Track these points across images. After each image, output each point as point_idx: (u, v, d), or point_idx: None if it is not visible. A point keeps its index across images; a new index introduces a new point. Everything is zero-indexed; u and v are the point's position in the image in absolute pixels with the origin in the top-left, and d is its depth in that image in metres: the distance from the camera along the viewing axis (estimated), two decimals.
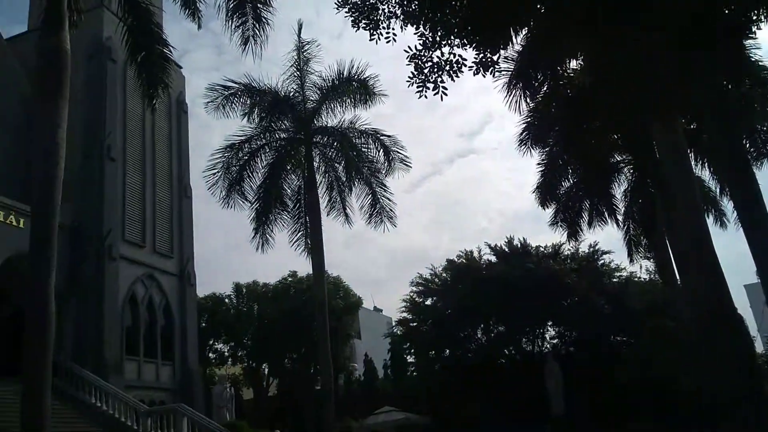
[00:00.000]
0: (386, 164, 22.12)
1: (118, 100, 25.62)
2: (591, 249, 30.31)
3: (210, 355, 36.63)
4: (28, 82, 23.70)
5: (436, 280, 31.73)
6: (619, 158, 18.08)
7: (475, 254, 31.49)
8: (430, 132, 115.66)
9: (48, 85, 11.46)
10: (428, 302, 32.07)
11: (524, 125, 16.69)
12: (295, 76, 22.06)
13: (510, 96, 14.20)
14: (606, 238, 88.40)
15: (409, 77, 8.25)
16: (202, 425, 19.39)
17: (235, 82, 21.67)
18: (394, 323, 38.18)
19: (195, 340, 26.67)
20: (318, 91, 22.15)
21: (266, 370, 37.42)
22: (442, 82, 8.17)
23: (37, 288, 10.43)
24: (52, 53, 11.49)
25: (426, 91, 8.19)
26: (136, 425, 19.01)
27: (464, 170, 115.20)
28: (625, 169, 18.76)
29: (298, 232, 22.39)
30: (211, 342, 36.55)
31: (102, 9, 25.20)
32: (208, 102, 21.25)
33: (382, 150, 22.12)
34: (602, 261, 30.47)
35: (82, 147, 23.65)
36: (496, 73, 9.05)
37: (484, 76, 8.52)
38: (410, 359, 34.90)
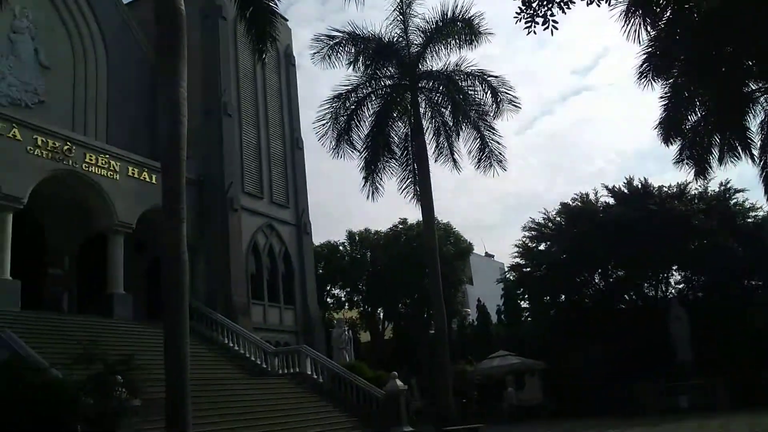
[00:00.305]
0: (494, 106, 21.56)
1: (230, 57, 26.62)
2: (722, 187, 27.98)
3: (328, 299, 38.31)
4: (149, 44, 25.19)
5: (550, 224, 30.82)
6: (754, 87, 16.32)
7: (591, 197, 30.12)
8: (540, 70, 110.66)
9: (167, 45, 12.11)
10: (541, 247, 31.32)
11: (644, 56, 15.42)
12: (398, 20, 21.80)
13: (628, 25, 13.17)
14: (739, 175, 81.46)
15: (516, 12, 7.82)
16: (324, 365, 20.52)
17: (340, 31, 21.83)
18: (506, 269, 37.83)
19: (313, 286, 28.00)
20: (422, 35, 21.78)
21: (381, 314, 38.62)
22: (552, 15, 7.69)
23: (171, 238, 11.32)
24: (169, 15, 12.06)
25: (535, 27, 7.74)
26: (265, 364, 20.46)
27: (578, 109, 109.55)
28: (762, 99, 16.96)
29: (407, 179, 22.60)
30: (328, 287, 38.14)
31: None
32: (315, 53, 21.61)
33: (489, 92, 21.53)
34: (734, 200, 28.07)
35: (202, 105, 24.94)
36: (612, 1, 8.40)
37: (599, 5, 7.94)
38: (524, 305, 34.54)
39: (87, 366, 11.00)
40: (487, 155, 21.83)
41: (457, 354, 27.56)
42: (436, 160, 22.49)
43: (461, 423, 19.39)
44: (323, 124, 21.81)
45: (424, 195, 21.47)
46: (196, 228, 23.10)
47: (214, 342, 21.06)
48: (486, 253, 59.93)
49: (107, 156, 20.65)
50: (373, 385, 19.50)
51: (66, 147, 19.27)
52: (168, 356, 10.76)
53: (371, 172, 22.12)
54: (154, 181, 21.24)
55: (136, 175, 21.45)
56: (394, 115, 22.37)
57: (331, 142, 21.80)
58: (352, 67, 22.01)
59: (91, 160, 19.98)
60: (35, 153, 18.37)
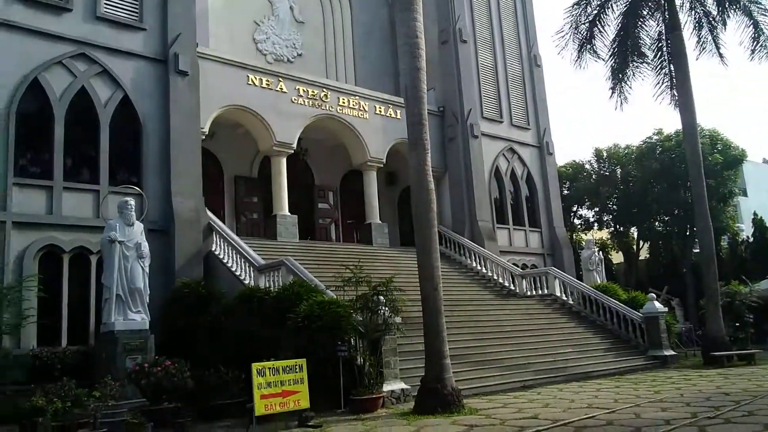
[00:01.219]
0: None
1: None
2: None
3: (575, 221, 37.10)
4: None
5: None
6: None
7: None
8: None
9: None
10: None
11: None
12: None
13: None
14: None
15: None
16: (573, 286, 20.22)
17: None
18: None
19: (559, 207, 27.33)
20: None
21: (635, 234, 36.26)
22: None
23: (417, 168, 12.01)
24: None
25: None
26: (513, 285, 20.86)
27: None
28: None
29: (662, 83, 20.82)
30: (574, 208, 36.87)
31: None
32: None
33: None
34: None
35: (438, 34, 25.29)
36: None
37: None
38: None
39: (355, 287, 12.44)
40: (763, 44, 19.23)
41: (728, 274, 24.88)
42: (697, 58, 20.16)
43: (732, 348, 17.68)
44: (562, 36, 20.82)
45: (683, 99, 19.38)
46: (440, 157, 24.02)
47: (463, 265, 22.02)
48: (765, 159, 52.27)
49: (357, 97, 22.28)
50: (627, 307, 18.74)
51: (323, 93, 21.26)
52: (422, 278, 11.65)
53: (619, 80, 20.81)
54: (398, 116, 22.44)
55: (382, 113, 22.85)
56: (644, 13, 20.54)
57: (572, 54, 20.91)
58: None
59: (343, 103, 21.79)
60: (298, 102, 20.61)
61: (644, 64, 20.89)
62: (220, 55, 19.18)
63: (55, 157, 14.73)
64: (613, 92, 20.96)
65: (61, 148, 14.87)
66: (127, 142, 16.14)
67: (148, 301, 12.50)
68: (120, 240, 12.08)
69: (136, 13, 16.91)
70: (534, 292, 20.62)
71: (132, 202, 12.74)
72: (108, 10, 16.39)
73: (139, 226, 12.66)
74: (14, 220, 13.79)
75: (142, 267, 12.32)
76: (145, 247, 12.49)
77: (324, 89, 21.39)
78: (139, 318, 12.19)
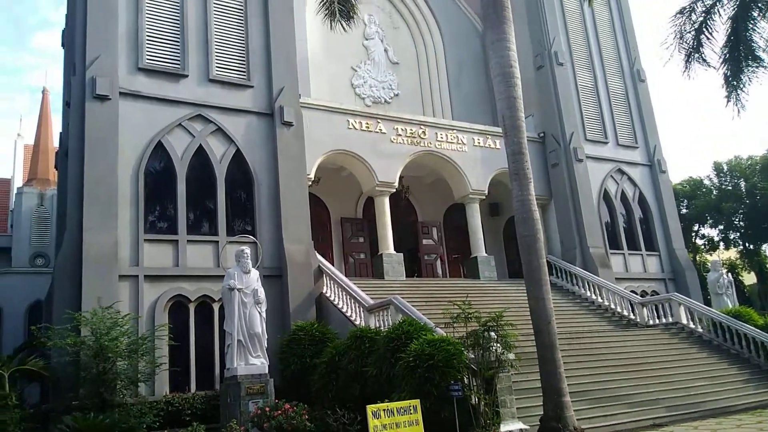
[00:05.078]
0: None
1: (554, 4, 25.93)
2: None
3: (697, 241, 34.73)
4: (476, 14, 26.31)
5: None
6: None
7: None
8: None
9: (492, 13, 12.55)
10: None
11: None
12: None
13: None
14: None
15: None
16: (701, 312, 18.81)
17: None
18: None
19: (677, 228, 25.68)
20: None
21: (767, 251, 33.32)
22: None
23: (520, 198, 11.81)
24: None
25: None
26: (633, 314, 19.72)
27: None
28: None
29: None
30: (696, 228, 34.54)
31: None
32: None
33: None
34: None
35: (533, 60, 25.00)
36: None
37: None
38: None
39: (464, 324, 12.29)
40: None
41: None
42: None
43: None
44: (667, 48, 19.93)
45: None
46: (543, 184, 23.47)
47: (576, 295, 21.15)
48: None
49: (454, 131, 22.39)
50: (765, 333, 17.15)
51: (421, 131, 21.57)
52: (533, 311, 11.33)
53: (734, 87, 19.47)
54: (497, 146, 22.26)
55: (481, 144, 22.77)
56: (755, 14, 19.22)
57: (678, 64, 20.01)
58: None
59: (441, 138, 21.96)
60: (397, 141, 21.04)
61: (761, 67, 19.53)
62: (321, 104, 20.06)
63: (179, 212, 15.98)
64: (728, 100, 19.69)
65: (184, 203, 16.12)
66: (240, 193, 17.18)
67: (266, 345, 13.05)
68: (239, 287, 12.76)
69: (244, 72, 18.13)
70: (657, 321, 19.37)
71: (248, 250, 13.47)
72: (220, 72, 17.73)
73: (255, 273, 13.32)
74: (146, 274, 15.04)
75: (259, 312, 12.92)
76: (262, 293, 13.10)
77: (421, 126, 21.69)
78: (259, 362, 12.73)
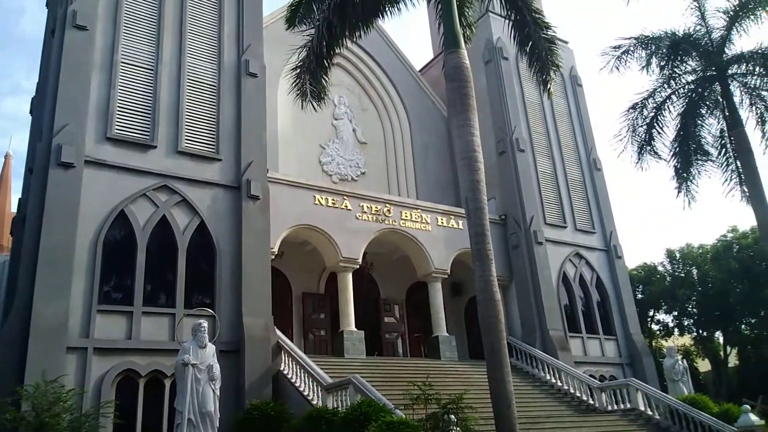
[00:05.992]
0: None
1: (516, 93, 27.22)
2: None
3: (652, 326, 35.31)
4: (441, 100, 27.42)
5: None
6: None
7: None
8: None
9: (457, 101, 13.08)
10: None
11: None
12: (692, 7, 20.15)
13: None
14: None
15: None
16: (659, 399, 18.88)
17: (625, 38, 20.80)
18: None
19: (634, 313, 26.15)
20: (723, 16, 19.73)
21: (720, 339, 34.01)
22: None
23: (482, 279, 11.93)
24: (456, 72, 13.07)
25: None
26: (591, 399, 19.68)
27: None
28: None
29: (730, 180, 20.34)
30: (651, 313, 35.21)
31: (488, 14, 27.19)
32: (601, 68, 20.97)
33: None
34: None
35: (495, 145, 25.95)
36: None
37: None
38: None
39: (424, 405, 12.09)
40: None
41: None
42: (764, 153, 19.78)
43: None
44: (620, 140, 20.97)
45: (754, 194, 18.80)
46: (504, 265, 23.82)
47: (536, 378, 21.08)
48: None
49: (419, 210, 22.78)
50: (720, 421, 17.26)
51: (386, 209, 21.89)
52: (493, 394, 11.23)
53: (683, 180, 20.52)
54: (460, 226, 22.67)
55: (444, 224, 23.17)
56: (702, 112, 20.58)
57: (632, 156, 20.88)
58: (645, 70, 20.75)
59: (406, 216, 22.30)
60: (362, 218, 21.26)
61: (709, 161, 20.63)
62: (289, 179, 20.27)
63: (136, 283, 15.58)
64: (679, 191, 20.62)
65: (143, 273, 15.77)
66: (202, 265, 16.93)
67: (218, 424, 12.51)
68: (193, 363, 12.33)
69: (213, 145, 18.31)
70: (615, 407, 19.33)
71: (205, 324, 13.12)
72: (188, 144, 17.85)
73: (211, 348, 12.94)
74: (96, 346, 14.46)
75: (213, 390, 12.44)
76: (217, 370, 12.68)
77: (387, 204, 22.02)
78: None
